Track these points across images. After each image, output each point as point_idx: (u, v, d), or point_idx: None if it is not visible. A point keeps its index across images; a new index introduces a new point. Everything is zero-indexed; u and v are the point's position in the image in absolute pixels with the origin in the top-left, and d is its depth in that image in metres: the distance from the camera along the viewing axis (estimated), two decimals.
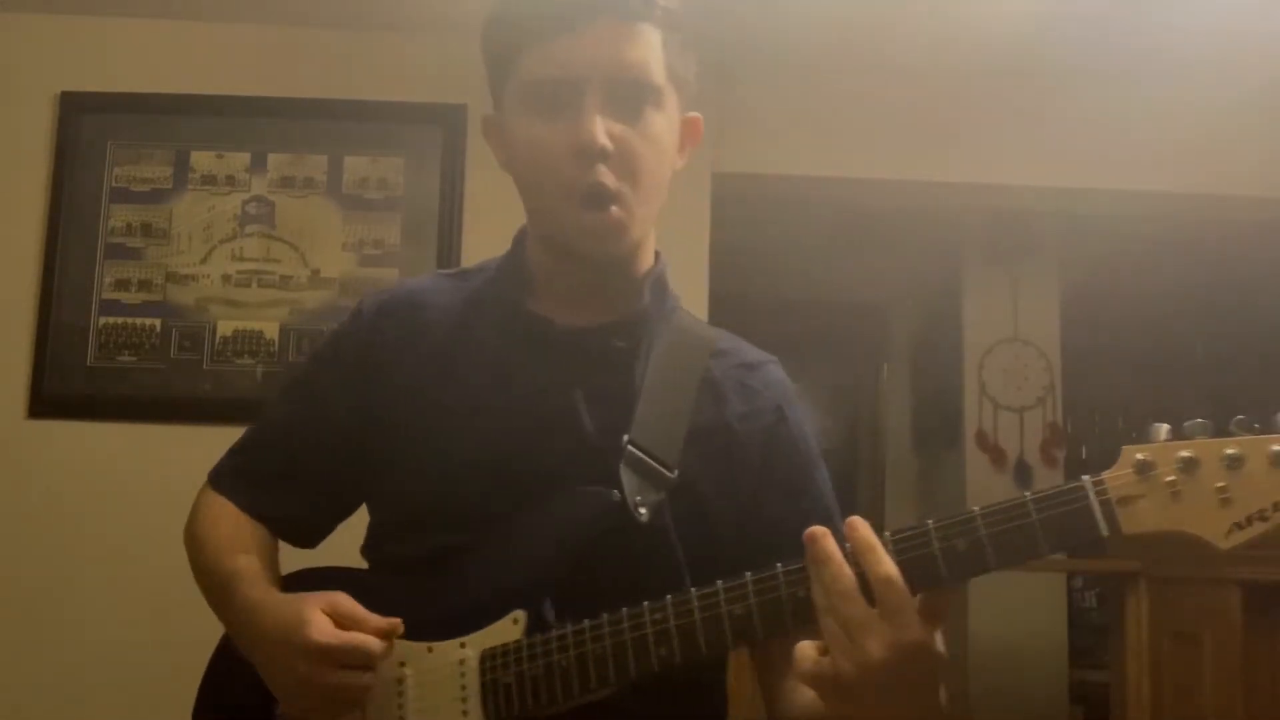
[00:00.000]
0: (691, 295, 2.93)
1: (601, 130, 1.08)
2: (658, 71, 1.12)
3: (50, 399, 2.81)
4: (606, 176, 1.09)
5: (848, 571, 0.87)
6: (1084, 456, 5.03)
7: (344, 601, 1.05)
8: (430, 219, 2.91)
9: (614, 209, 1.10)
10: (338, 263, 2.90)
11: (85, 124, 2.91)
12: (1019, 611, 4.49)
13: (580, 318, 1.17)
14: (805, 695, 0.99)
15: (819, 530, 0.89)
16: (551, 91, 1.09)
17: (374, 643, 1.02)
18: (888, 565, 0.86)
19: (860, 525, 0.89)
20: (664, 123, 1.14)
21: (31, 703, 2.65)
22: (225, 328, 2.86)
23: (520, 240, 1.23)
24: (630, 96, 1.10)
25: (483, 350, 1.18)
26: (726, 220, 3.10)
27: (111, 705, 2.61)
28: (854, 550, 0.87)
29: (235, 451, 1.29)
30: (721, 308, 2.94)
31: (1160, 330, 5.15)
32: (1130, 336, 5.14)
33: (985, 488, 4.49)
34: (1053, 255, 4.77)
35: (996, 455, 4.67)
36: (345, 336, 1.26)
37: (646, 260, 1.21)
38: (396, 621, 1.04)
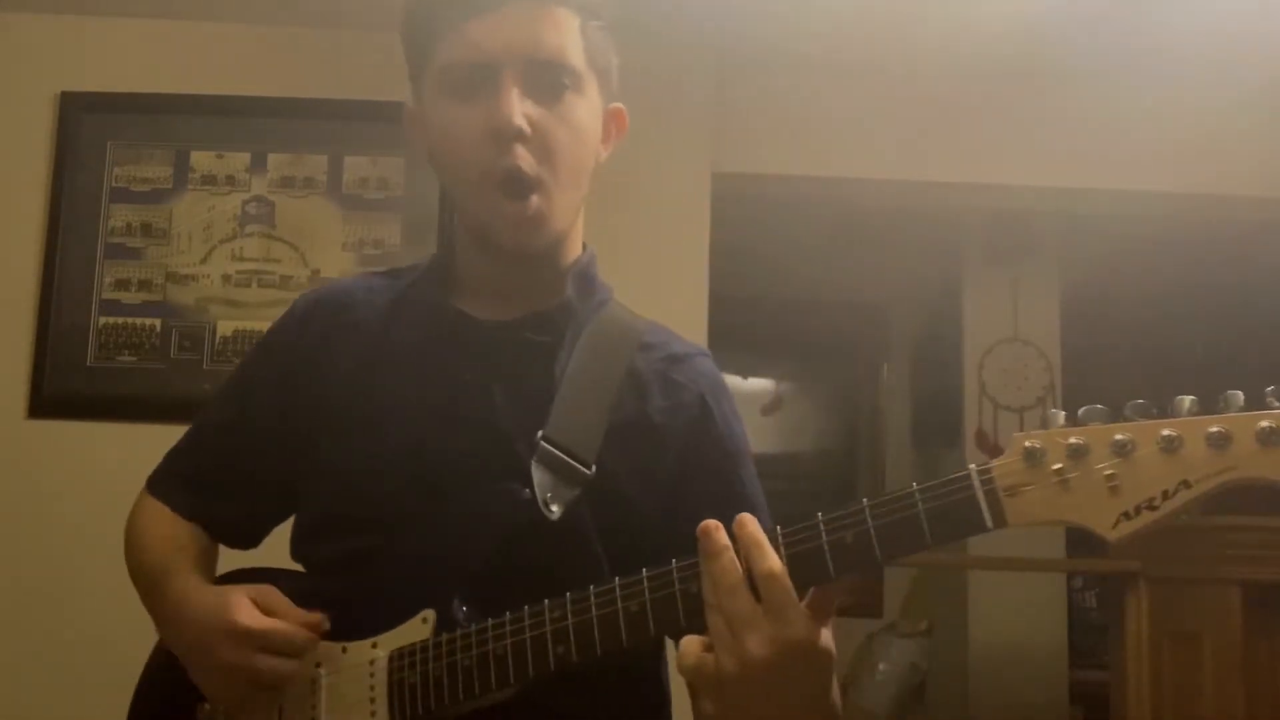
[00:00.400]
0: (691, 295, 2.93)
1: (519, 111, 1.06)
2: (576, 55, 1.10)
3: (50, 399, 2.81)
4: (524, 159, 1.07)
5: (736, 566, 0.85)
6: None
7: (272, 593, 1.06)
8: (430, 219, 2.91)
9: (534, 198, 1.08)
10: (338, 263, 2.90)
11: (85, 124, 2.91)
12: (1019, 611, 4.49)
13: (502, 312, 1.16)
14: None
15: (711, 524, 0.88)
16: (467, 75, 1.08)
17: (297, 631, 1.03)
18: (772, 560, 0.84)
19: (748, 522, 0.87)
20: (585, 108, 1.12)
21: (31, 702, 2.65)
22: (225, 328, 2.86)
23: (450, 237, 1.23)
24: (548, 79, 1.09)
25: (404, 349, 1.17)
26: (726, 220, 3.09)
27: (111, 705, 2.60)
28: (741, 546, 0.86)
29: (171, 455, 1.30)
30: (721, 308, 2.94)
31: (1160, 330, 5.15)
32: (1130, 336, 5.13)
33: None
34: (1053, 255, 4.76)
35: (996, 455, 4.62)
36: (275, 336, 1.26)
37: (573, 251, 1.20)
38: (319, 616, 1.05)
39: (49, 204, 2.87)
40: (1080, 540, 4.64)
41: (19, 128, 2.91)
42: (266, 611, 1.05)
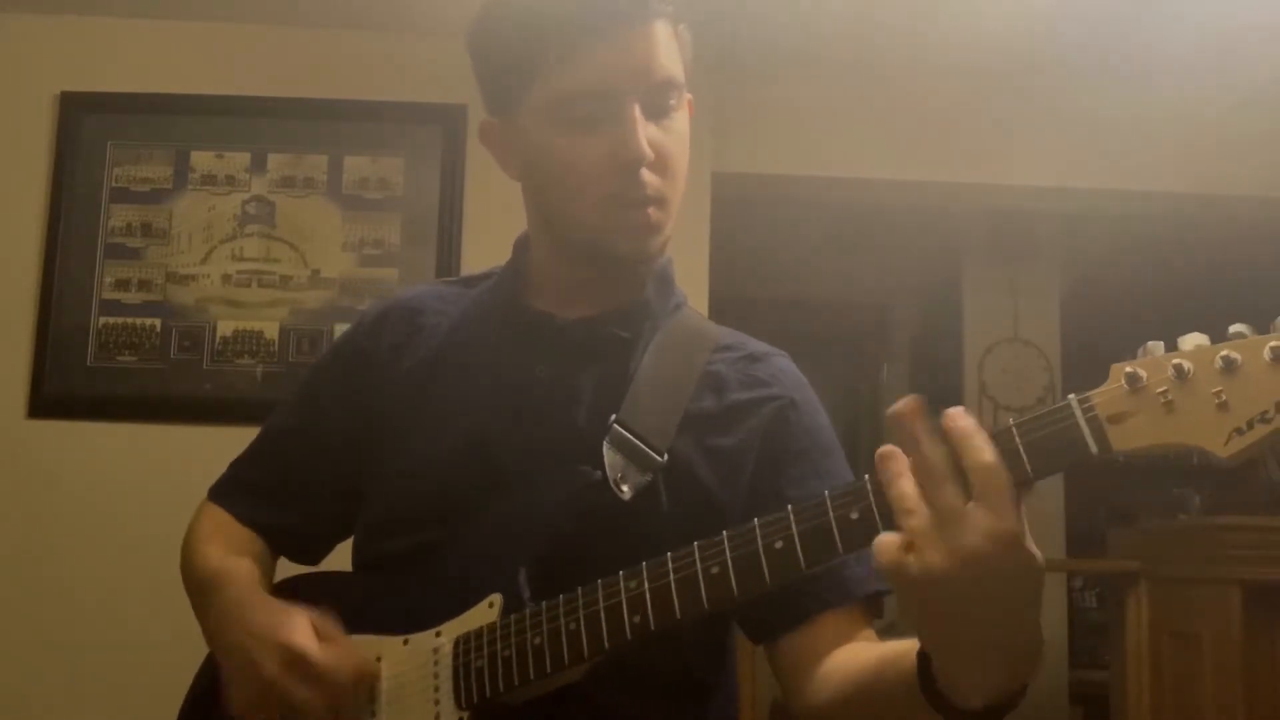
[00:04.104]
0: (692, 295, 2.90)
1: (645, 141, 1.07)
2: (678, 68, 1.11)
3: (50, 399, 2.81)
4: (651, 183, 1.08)
5: (944, 459, 0.78)
6: None
7: (334, 627, 1.04)
8: (430, 219, 2.91)
9: (651, 210, 1.10)
10: (338, 263, 2.90)
11: (85, 124, 2.91)
12: None
13: (580, 310, 1.16)
14: (851, 663, 0.98)
15: (907, 406, 0.80)
16: (590, 105, 1.07)
17: (345, 675, 1.01)
18: (989, 452, 0.78)
19: (959, 415, 0.80)
20: (685, 115, 1.14)
21: (32, 702, 2.65)
22: (225, 328, 2.86)
23: (521, 246, 1.22)
24: (662, 99, 1.10)
25: (478, 349, 1.18)
26: (726, 220, 3.09)
27: (112, 704, 2.61)
28: (954, 438, 0.79)
29: (234, 463, 1.29)
30: (721, 308, 2.94)
31: (1160, 330, 5.14)
32: (1130, 337, 5.13)
33: None
34: (1053, 255, 4.77)
35: None
36: (344, 344, 1.27)
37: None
38: (374, 669, 1.04)
39: (49, 204, 2.87)
40: (1080, 540, 4.64)
41: (19, 128, 2.91)
42: (324, 641, 1.02)
